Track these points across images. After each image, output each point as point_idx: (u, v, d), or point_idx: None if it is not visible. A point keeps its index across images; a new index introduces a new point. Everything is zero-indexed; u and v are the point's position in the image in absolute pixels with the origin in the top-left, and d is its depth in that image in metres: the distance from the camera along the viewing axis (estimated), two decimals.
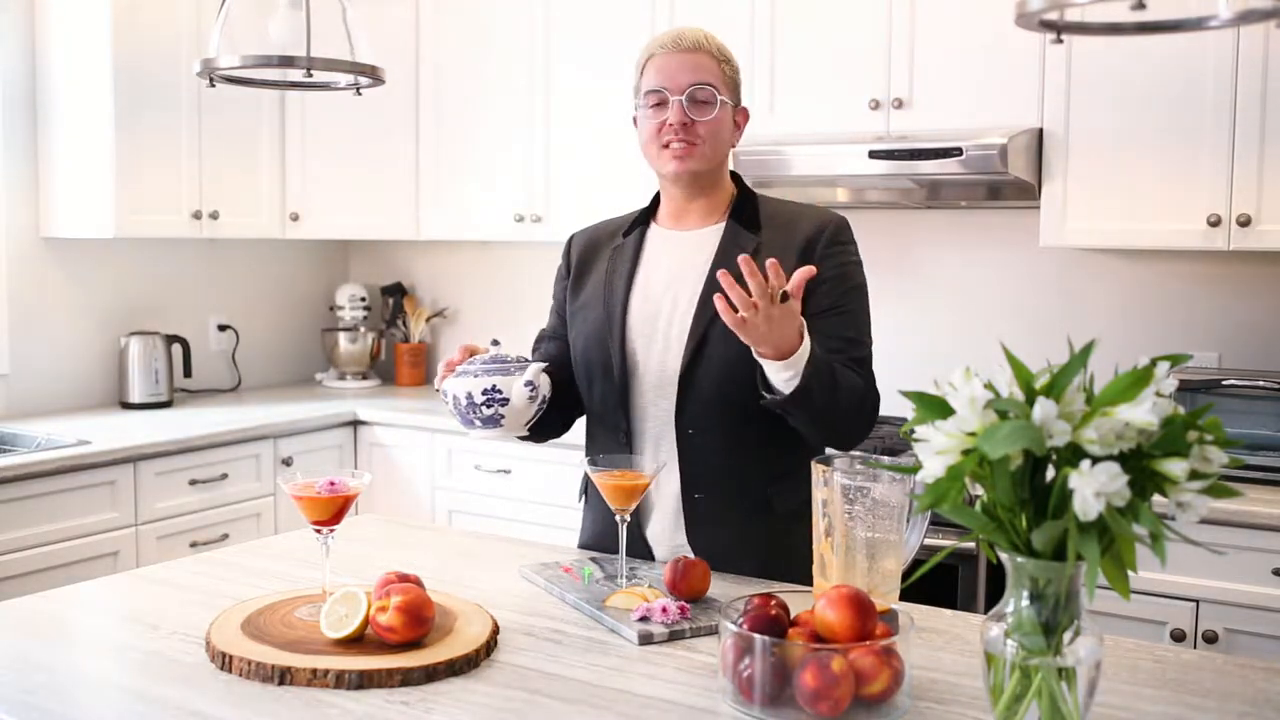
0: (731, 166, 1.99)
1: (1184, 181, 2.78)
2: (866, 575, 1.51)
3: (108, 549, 3.11)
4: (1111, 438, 1.05)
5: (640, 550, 1.92)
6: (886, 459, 2.52)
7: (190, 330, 4.07)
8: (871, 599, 1.35)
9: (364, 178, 4.04)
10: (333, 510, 1.64)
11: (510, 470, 3.57)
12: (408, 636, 1.46)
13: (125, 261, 3.88)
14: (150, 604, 1.72)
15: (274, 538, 2.18)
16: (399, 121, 4.01)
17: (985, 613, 1.50)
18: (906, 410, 1.14)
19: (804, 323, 1.66)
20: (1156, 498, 1.07)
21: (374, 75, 2.23)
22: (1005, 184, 3.04)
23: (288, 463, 3.61)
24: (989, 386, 1.10)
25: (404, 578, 1.57)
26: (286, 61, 2.14)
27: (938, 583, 2.69)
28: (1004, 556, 1.13)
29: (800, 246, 1.86)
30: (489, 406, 1.81)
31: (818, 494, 1.55)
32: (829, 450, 1.82)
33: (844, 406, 1.75)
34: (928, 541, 2.50)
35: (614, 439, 1.92)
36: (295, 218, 4.02)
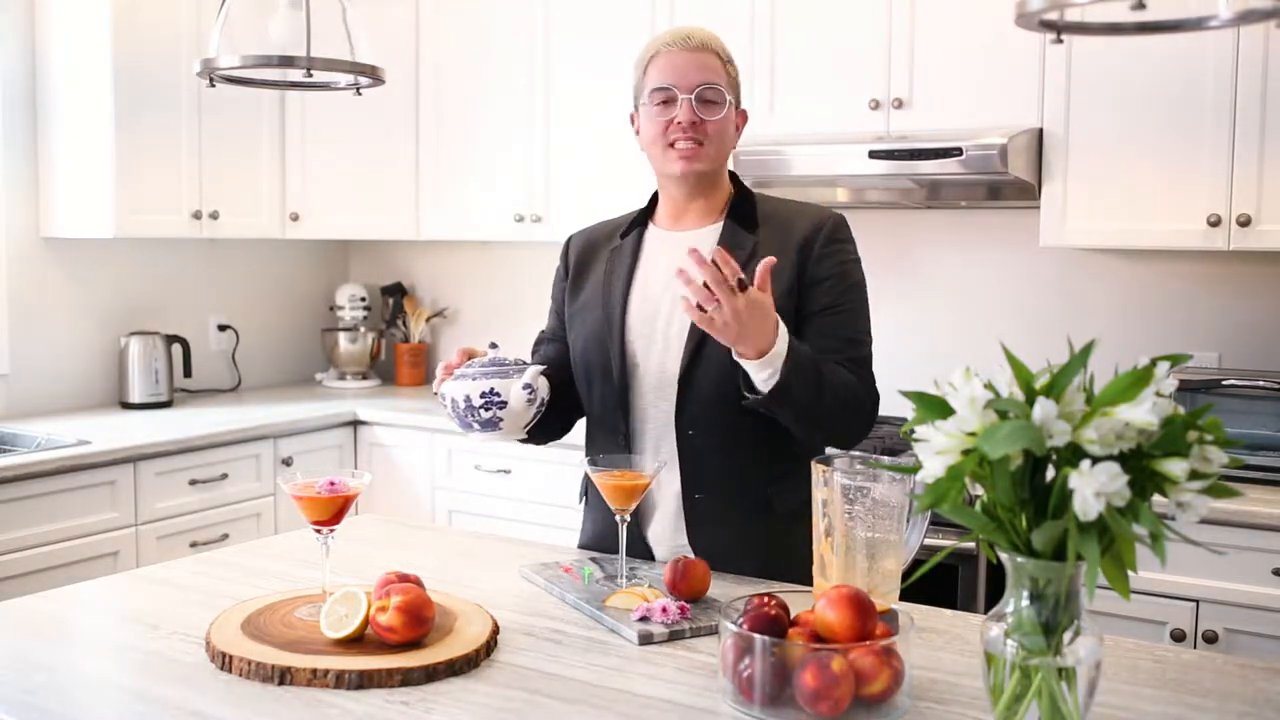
0: (730, 167, 1.99)
1: (1184, 181, 2.78)
2: (866, 575, 1.51)
3: (108, 549, 3.12)
4: (1111, 438, 1.05)
5: (640, 550, 1.91)
6: (886, 459, 2.51)
7: (190, 330, 4.07)
8: (871, 599, 1.35)
9: (364, 178, 4.04)
10: (333, 510, 1.64)
11: (510, 470, 3.57)
12: (408, 636, 1.46)
13: (125, 261, 3.88)
14: (150, 604, 1.72)
15: (274, 538, 2.18)
16: (399, 121, 4.01)
17: (985, 613, 1.50)
18: (906, 410, 1.14)
19: (780, 320, 1.65)
20: (1156, 498, 1.07)
21: (374, 75, 2.24)
22: (1005, 184, 3.04)
23: (288, 463, 3.61)
24: (989, 386, 1.10)
25: (404, 578, 1.57)
26: (286, 61, 2.14)
27: (938, 583, 2.69)
28: (1004, 556, 1.13)
29: (798, 245, 1.86)
30: (487, 409, 1.80)
31: (818, 494, 1.55)
32: (829, 450, 1.82)
33: (830, 403, 1.73)
34: (928, 541, 2.49)
35: (614, 440, 1.91)
36: (295, 218, 4.02)
